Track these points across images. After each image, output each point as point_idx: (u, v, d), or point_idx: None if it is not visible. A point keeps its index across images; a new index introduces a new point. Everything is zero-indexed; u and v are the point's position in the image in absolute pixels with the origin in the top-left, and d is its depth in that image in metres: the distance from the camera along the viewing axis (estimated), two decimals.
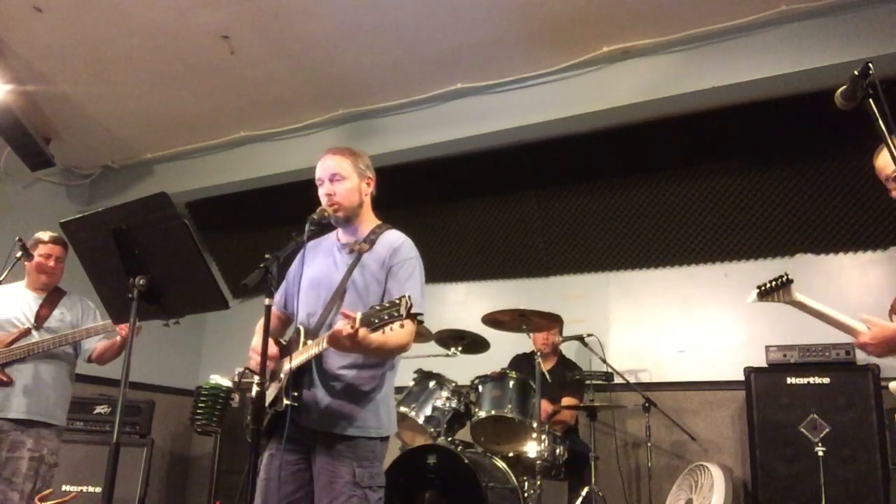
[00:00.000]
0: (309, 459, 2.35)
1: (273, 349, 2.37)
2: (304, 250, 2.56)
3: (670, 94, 4.17)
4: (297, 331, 2.41)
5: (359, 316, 2.06)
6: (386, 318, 2.03)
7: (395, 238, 2.48)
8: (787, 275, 2.30)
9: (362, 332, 2.07)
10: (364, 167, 2.51)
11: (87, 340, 3.51)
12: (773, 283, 2.31)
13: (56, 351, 3.44)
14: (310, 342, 2.32)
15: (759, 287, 2.34)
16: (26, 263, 3.56)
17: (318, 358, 2.34)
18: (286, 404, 2.25)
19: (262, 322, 2.49)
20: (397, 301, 2.03)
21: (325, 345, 2.19)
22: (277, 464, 2.31)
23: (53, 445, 3.41)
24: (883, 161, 2.22)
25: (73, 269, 2.80)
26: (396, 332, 2.21)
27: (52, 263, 3.54)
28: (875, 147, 2.17)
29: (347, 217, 2.47)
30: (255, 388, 2.14)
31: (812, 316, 2.33)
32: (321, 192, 2.47)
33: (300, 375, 2.34)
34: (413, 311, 2.14)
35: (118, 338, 3.45)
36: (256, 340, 2.45)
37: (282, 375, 2.33)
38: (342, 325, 2.08)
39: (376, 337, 2.15)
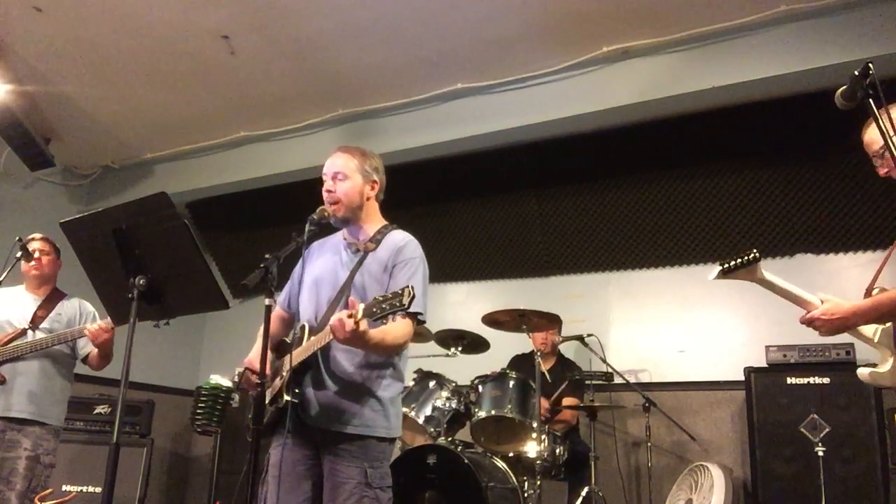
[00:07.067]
0: (318, 458, 2.35)
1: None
2: (307, 250, 2.57)
3: (670, 94, 4.17)
4: (301, 328, 2.41)
5: (361, 306, 2.06)
6: (387, 308, 2.02)
7: (399, 238, 2.47)
8: (754, 253, 2.27)
9: (363, 323, 2.07)
10: (371, 169, 2.50)
11: (82, 342, 3.50)
12: (739, 260, 2.27)
13: (53, 351, 3.44)
14: (313, 338, 2.32)
15: (721, 264, 2.30)
16: (24, 267, 3.56)
17: (326, 357, 2.34)
18: (287, 400, 2.26)
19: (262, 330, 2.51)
20: (400, 292, 2.02)
21: (329, 337, 2.18)
22: (289, 459, 2.32)
23: (50, 445, 3.41)
24: (869, 137, 2.22)
25: (73, 269, 2.80)
26: (394, 329, 2.22)
27: (35, 255, 3.53)
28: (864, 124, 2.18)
29: (346, 217, 2.47)
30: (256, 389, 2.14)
31: (777, 294, 2.31)
32: (324, 187, 2.48)
33: (304, 372, 2.34)
34: (412, 309, 2.14)
35: (95, 350, 3.42)
36: (253, 354, 2.46)
37: (283, 372, 2.33)
38: (344, 315, 2.06)
39: (375, 332, 2.15)
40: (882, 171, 2.22)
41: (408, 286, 2.03)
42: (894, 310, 2.15)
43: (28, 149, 5.13)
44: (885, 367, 2.28)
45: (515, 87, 4.61)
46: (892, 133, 1.72)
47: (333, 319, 2.10)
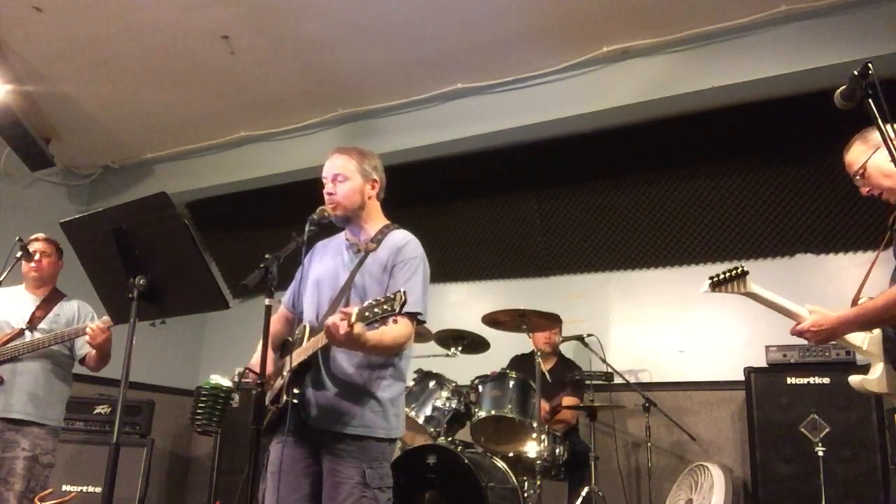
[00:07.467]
0: (318, 457, 2.35)
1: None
2: (313, 250, 2.59)
3: (670, 94, 4.17)
4: (302, 328, 2.42)
5: (355, 311, 2.07)
6: (379, 312, 2.04)
7: (400, 238, 2.48)
8: (742, 267, 2.34)
9: (358, 327, 2.07)
10: (370, 169, 2.51)
11: (80, 343, 3.48)
12: (728, 274, 2.33)
13: (51, 351, 3.43)
14: (312, 339, 2.34)
15: (711, 278, 2.36)
16: (24, 268, 3.55)
17: (326, 358, 2.35)
18: (285, 400, 2.27)
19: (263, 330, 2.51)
20: (392, 296, 2.03)
21: (323, 341, 2.20)
22: (289, 457, 2.33)
23: (49, 445, 3.40)
24: (850, 158, 2.26)
25: (73, 269, 2.80)
26: (392, 329, 2.23)
27: (36, 257, 3.53)
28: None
29: (346, 217, 2.47)
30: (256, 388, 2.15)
31: (766, 306, 2.37)
32: (324, 190, 2.48)
33: (304, 372, 2.35)
34: (411, 309, 2.15)
35: (93, 350, 3.41)
36: (257, 356, 2.46)
37: (285, 373, 2.34)
38: (337, 319, 2.07)
39: (372, 334, 2.16)
40: (864, 191, 2.27)
41: (400, 290, 2.04)
42: (879, 317, 2.19)
43: (28, 149, 5.13)
44: (874, 374, 2.31)
45: (515, 87, 4.61)
46: (891, 135, 1.72)
47: (328, 322, 2.11)
